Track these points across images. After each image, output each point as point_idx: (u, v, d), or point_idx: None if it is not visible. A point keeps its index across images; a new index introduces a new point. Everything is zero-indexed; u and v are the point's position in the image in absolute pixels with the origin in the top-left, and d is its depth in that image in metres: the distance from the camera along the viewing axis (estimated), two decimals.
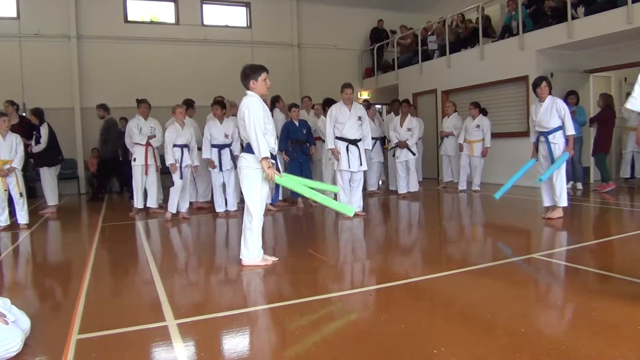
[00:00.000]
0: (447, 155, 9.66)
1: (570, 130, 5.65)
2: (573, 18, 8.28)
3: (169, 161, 6.77)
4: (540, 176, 5.70)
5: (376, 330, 2.66)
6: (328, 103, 7.47)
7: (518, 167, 6.03)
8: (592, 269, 3.69)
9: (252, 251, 4.12)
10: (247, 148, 4.03)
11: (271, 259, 4.21)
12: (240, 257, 4.16)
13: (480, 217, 6.95)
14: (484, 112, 8.97)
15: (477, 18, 10.57)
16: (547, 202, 5.99)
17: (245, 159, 4.03)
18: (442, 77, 11.34)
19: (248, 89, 4.07)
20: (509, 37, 9.73)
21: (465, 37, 11.07)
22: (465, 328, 2.63)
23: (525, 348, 2.28)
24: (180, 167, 6.83)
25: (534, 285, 3.55)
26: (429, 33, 12.21)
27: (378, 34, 14.22)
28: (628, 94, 3.15)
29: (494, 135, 9.96)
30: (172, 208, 6.92)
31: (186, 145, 6.92)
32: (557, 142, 5.72)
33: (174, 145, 6.81)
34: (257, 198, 4.02)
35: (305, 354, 2.36)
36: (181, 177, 6.85)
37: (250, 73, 4.05)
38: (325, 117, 6.94)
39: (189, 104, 8.01)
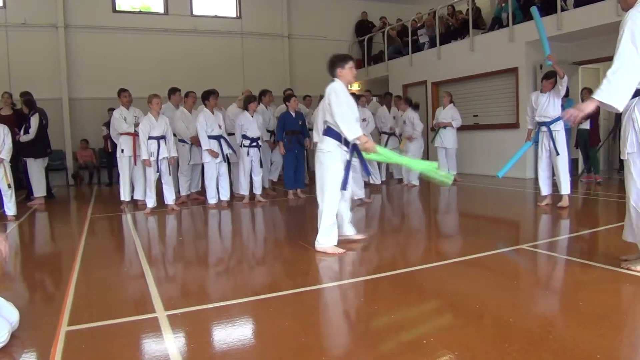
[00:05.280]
0: (443, 147, 9.18)
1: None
2: (562, 10, 8.31)
3: (143, 156, 6.62)
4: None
5: (366, 321, 2.67)
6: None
7: (507, 159, 6.09)
8: (579, 259, 3.73)
9: (323, 237, 4.10)
10: (327, 132, 4.07)
11: (341, 250, 4.11)
12: (316, 243, 4.14)
13: (467, 208, 7.00)
14: (416, 106, 9.17)
15: (468, 9, 10.57)
16: (545, 192, 6.15)
17: (325, 143, 4.07)
18: (432, 68, 11.34)
19: (335, 76, 4.14)
20: (499, 29, 9.75)
21: (455, 28, 11.08)
22: (455, 318, 2.66)
23: (514, 338, 2.31)
24: (157, 159, 6.67)
25: (523, 276, 3.59)
26: (419, 25, 12.19)
27: (364, 26, 14.16)
28: None
29: (484, 127, 9.98)
30: (149, 202, 6.81)
31: (162, 137, 6.70)
32: (559, 129, 5.94)
33: (150, 138, 6.61)
34: (336, 181, 4.03)
35: (295, 344, 2.37)
36: (157, 171, 6.72)
37: (337, 61, 4.12)
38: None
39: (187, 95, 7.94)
